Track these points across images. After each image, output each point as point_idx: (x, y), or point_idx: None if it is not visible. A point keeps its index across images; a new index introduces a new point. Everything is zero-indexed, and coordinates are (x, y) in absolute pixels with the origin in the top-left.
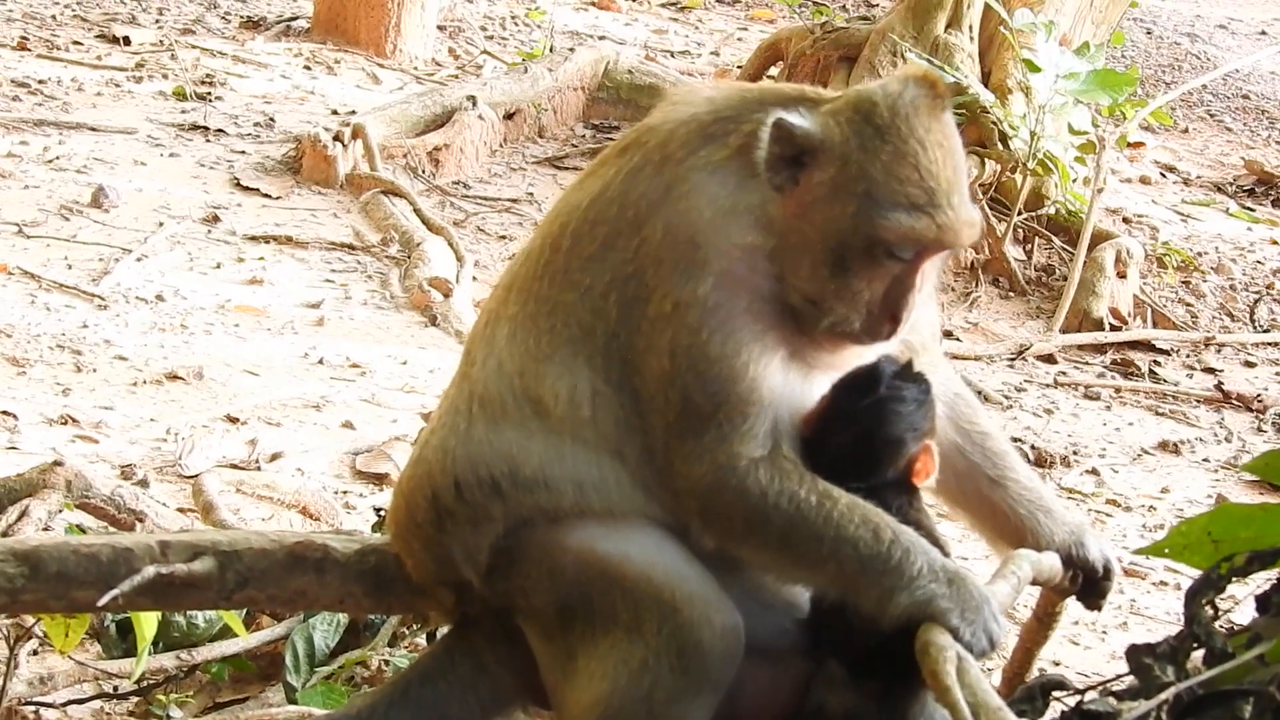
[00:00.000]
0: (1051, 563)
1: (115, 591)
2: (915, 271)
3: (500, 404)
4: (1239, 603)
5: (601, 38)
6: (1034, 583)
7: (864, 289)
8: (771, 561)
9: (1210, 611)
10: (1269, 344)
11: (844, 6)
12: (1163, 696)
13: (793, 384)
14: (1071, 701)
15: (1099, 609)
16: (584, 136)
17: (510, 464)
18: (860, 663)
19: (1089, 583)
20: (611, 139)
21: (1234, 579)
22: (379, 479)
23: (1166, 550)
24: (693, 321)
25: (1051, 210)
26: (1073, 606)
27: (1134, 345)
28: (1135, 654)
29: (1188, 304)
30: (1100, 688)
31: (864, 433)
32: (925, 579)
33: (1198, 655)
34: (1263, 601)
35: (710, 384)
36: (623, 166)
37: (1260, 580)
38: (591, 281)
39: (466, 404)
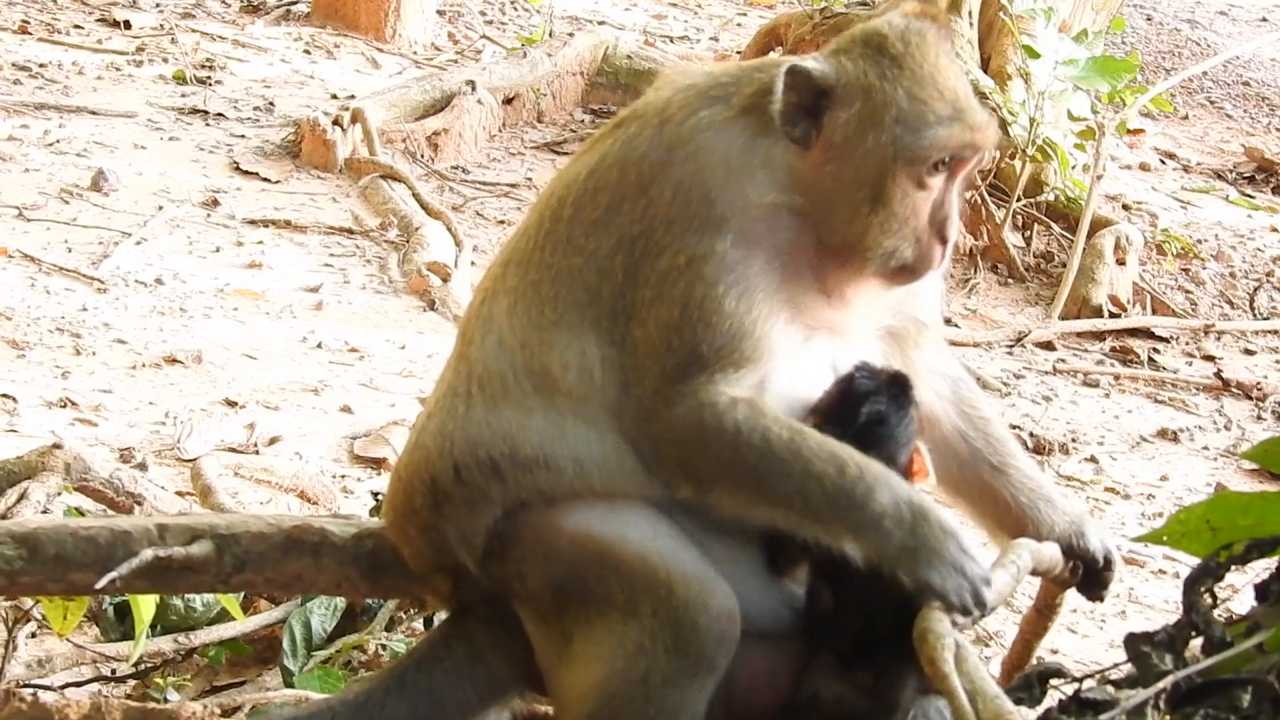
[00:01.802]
0: (1052, 553)
1: (113, 574)
2: (952, 187)
3: (501, 382)
4: (1238, 591)
5: (601, 23)
6: (1034, 573)
7: (909, 216)
8: (744, 501)
9: (1209, 600)
10: (1269, 332)
11: None
12: (1160, 685)
13: (793, 345)
14: (1069, 690)
15: (1100, 600)
16: (583, 122)
17: (510, 444)
18: (850, 653)
19: (1089, 573)
20: None
21: (1233, 567)
22: (377, 463)
23: (1165, 538)
24: (710, 275)
25: (1051, 197)
26: (1072, 595)
27: (1133, 332)
28: (1133, 642)
29: (1187, 291)
30: (1098, 676)
31: None
32: (889, 520)
33: (1196, 644)
34: (1261, 590)
35: (719, 337)
36: (619, 137)
37: (1259, 568)
38: (596, 245)
39: (465, 386)
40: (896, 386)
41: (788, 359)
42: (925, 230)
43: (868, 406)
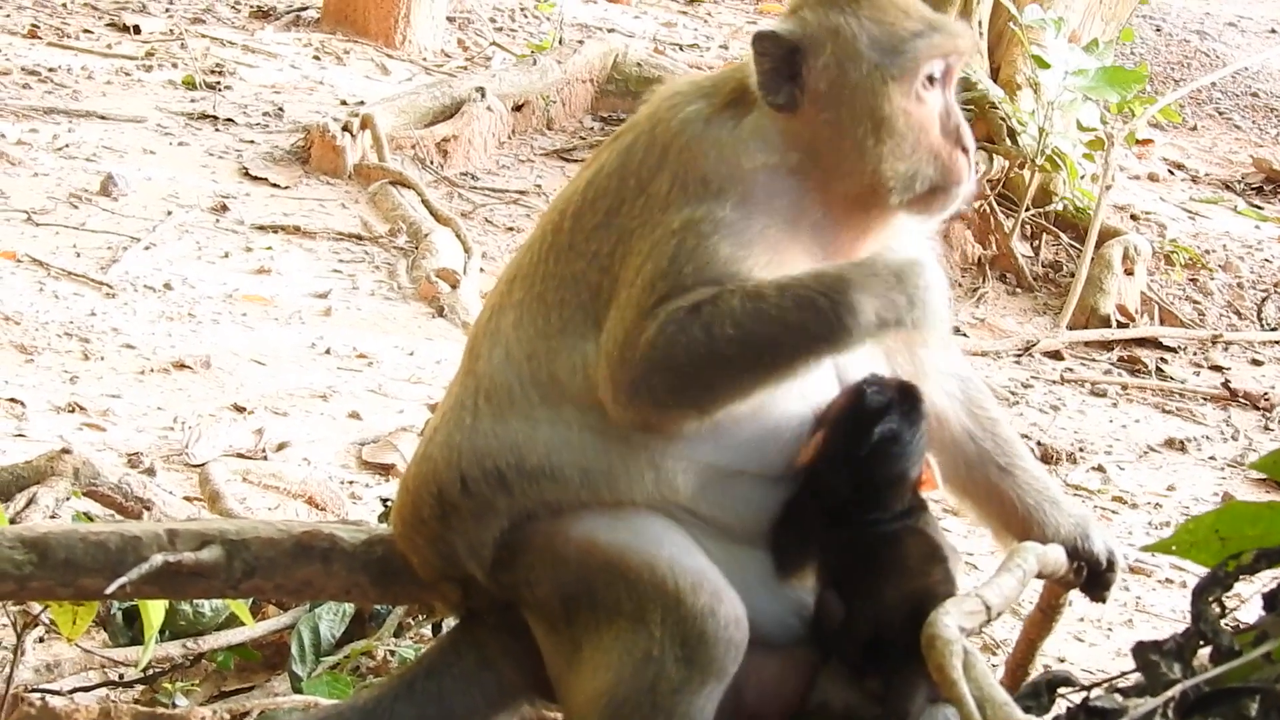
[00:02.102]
0: (1056, 555)
1: (123, 579)
2: (950, 97)
3: (507, 394)
4: (1244, 601)
5: (610, 30)
6: (1039, 575)
7: (918, 134)
8: (752, 382)
9: (1217, 609)
10: (1276, 342)
11: None
12: (1169, 694)
13: None
14: (1077, 698)
15: (1103, 601)
16: (592, 129)
17: (516, 455)
18: (860, 661)
19: (1093, 575)
20: None
21: (1241, 577)
22: (385, 469)
23: (1174, 547)
24: (705, 231)
25: (1059, 207)
26: (1078, 602)
27: (1141, 342)
28: (1142, 651)
29: (1195, 301)
30: (1106, 684)
31: (865, 478)
32: (857, 296)
33: (1204, 653)
34: (1270, 599)
35: (706, 276)
36: (615, 148)
37: (1267, 578)
38: (598, 247)
39: (472, 399)
40: (908, 401)
41: None
42: (941, 143)
43: (881, 425)
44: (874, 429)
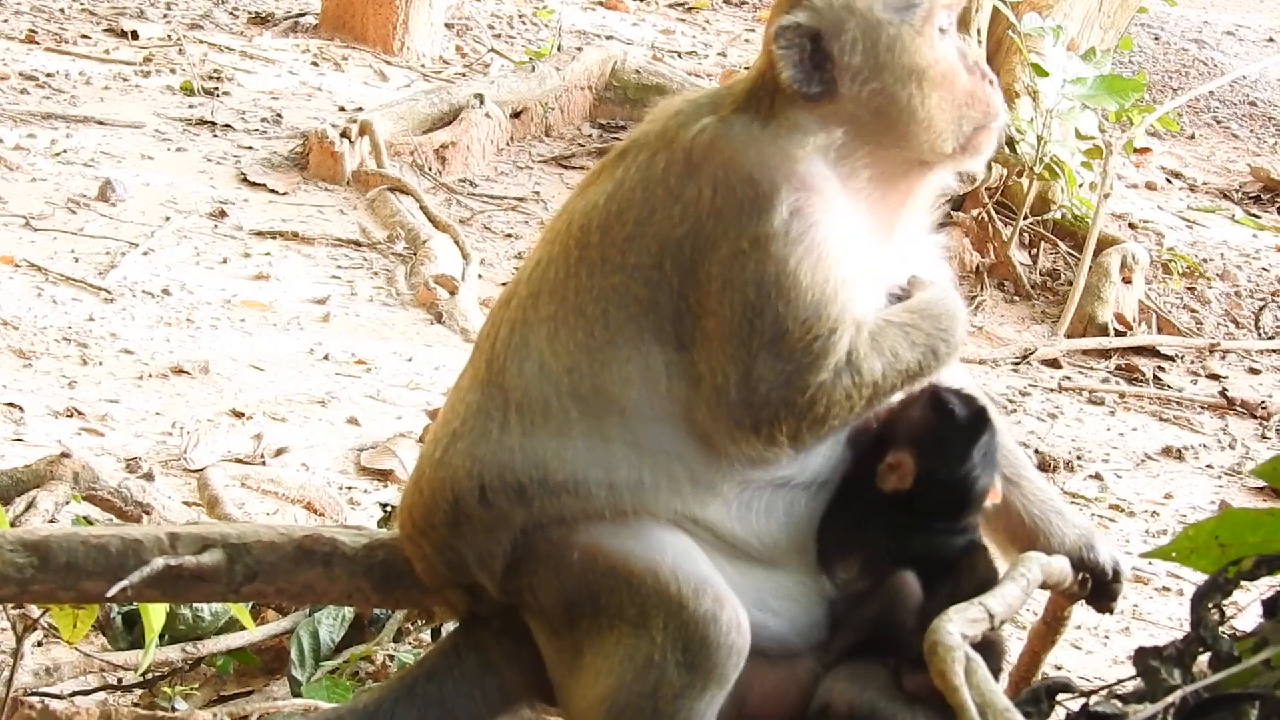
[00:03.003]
0: (1061, 565)
1: (124, 583)
2: (957, 41)
3: (543, 407)
4: (1241, 610)
5: (609, 37)
6: (1043, 586)
7: (955, 77)
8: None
9: (1217, 615)
10: (1273, 351)
11: None
12: (1169, 700)
13: (875, 301)
14: (1076, 705)
15: (1109, 611)
16: (590, 136)
17: (541, 469)
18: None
19: (1098, 586)
20: (618, 138)
21: (1241, 583)
22: (383, 475)
23: (1173, 554)
24: (777, 252)
25: (1058, 215)
26: (1075, 611)
27: (1139, 351)
28: (1142, 657)
29: (1193, 310)
30: (1106, 691)
31: (958, 495)
32: (960, 330)
33: (1204, 659)
34: (1270, 605)
35: (803, 309)
36: (631, 163)
37: (1266, 585)
38: (637, 259)
39: (500, 411)
40: (987, 418)
41: (871, 283)
42: (973, 82)
43: (979, 450)
44: (973, 448)
